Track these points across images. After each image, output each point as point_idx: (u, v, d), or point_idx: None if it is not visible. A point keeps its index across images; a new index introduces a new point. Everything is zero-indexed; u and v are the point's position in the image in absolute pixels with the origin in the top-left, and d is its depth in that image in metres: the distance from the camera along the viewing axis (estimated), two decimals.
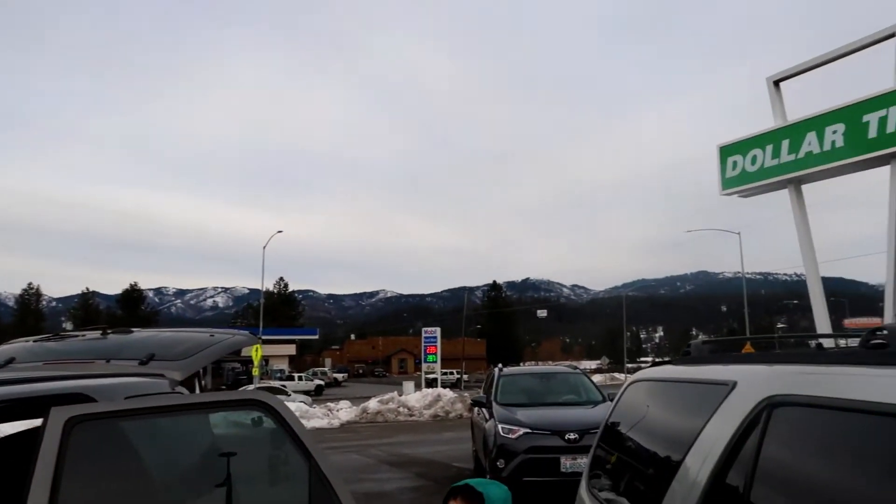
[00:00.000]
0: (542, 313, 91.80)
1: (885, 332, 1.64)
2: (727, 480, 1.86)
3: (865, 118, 11.67)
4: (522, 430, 8.66)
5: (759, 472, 1.74)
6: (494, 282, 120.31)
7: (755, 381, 1.94)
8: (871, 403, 1.45)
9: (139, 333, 3.57)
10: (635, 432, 2.84)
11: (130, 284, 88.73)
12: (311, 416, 23.49)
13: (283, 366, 61.53)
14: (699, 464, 2.00)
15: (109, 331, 3.56)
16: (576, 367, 12.06)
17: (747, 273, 42.03)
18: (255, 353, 28.66)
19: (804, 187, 13.30)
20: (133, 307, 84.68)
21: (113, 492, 2.30)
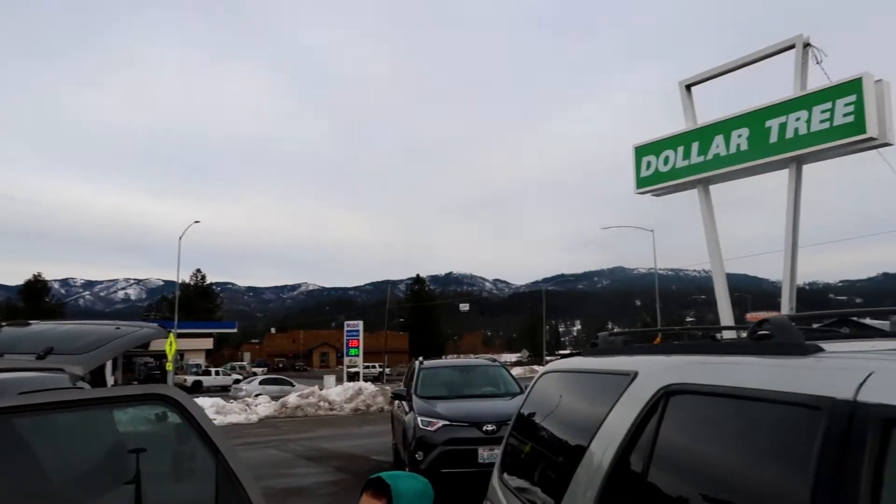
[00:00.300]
0: (464, 307, 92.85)
1: (770, 324, 1.75)
2: (628, 464, 1.94)
3: (768, 124, 12.33)
4: (441, 423, 8.74)
5: (656, 456, 1.83)
6: (418, 275, 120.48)
7: (654, 370, 2.03)
8: (755, 390, 1.55)
9: (37, 326, 3.38)
10: (545, 421, 2.92)
11: (34, 275, 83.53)
12: (228, 411, 22.90)
13: (200, 360, 59.63)
14: (602, 450, 2.08)
15: (4, 324, 3.36)
16: (495, 360, 12.27)
17: (660, 269, 43.72)
18: (169, 347, 27.65)
19: (712, 187, 13.95)
20: (36, 299, 79.81)
21: (5, 492, 2.18)
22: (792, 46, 12.30)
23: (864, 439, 1.18)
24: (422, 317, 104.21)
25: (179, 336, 37.16)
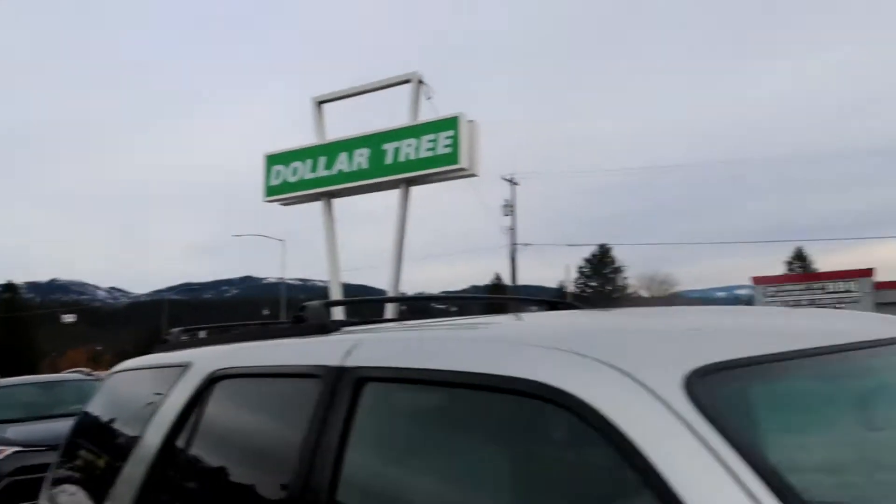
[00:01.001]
0: (69, 318, 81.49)
1: (306, 309, 1.95)
2: (172, 448, 2.01)
3: (384, 146, 13.59)
4: (11, 450, 7.56)
5: (198, 433, 1.94)
6: (10, 282, 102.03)
7: (206, 360, 2.12)
8: (284, 367, 1.76)
9: None
10: (109, 421, 2.80)
11: None
12: None
13: None
14: (154, 434, 2.09)
15: None
16: (90, 373, 11.06)
17: (289, 279, 44.76)
18: None
19: (337, 201, 14.80)
20: None
21: None
22: (409, 80, 13.80)
23: (343, 395, 1.42)
24: (14, 331, 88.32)
25: None
